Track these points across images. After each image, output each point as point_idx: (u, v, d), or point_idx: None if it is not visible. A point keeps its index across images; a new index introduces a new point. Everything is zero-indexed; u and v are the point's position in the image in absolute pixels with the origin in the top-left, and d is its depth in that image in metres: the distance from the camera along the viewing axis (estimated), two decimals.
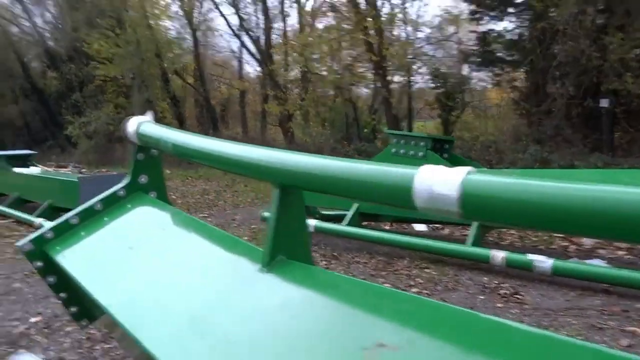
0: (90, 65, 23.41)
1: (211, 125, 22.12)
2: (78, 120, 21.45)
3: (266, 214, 5.29)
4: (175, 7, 21.09)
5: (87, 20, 24.60)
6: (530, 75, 13.41)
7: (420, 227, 6.00)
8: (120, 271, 1.52)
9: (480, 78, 16.67)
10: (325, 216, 5.84)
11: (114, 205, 2.00)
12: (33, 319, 3.41)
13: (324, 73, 16.25)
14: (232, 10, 18.25)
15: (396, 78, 16.64)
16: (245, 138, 18.04)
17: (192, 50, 21.35)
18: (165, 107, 25.03)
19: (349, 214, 5.24)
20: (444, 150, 5.43)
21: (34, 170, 8.33)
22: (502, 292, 3.82)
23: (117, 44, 23.13)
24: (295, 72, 16.79)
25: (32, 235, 1.80)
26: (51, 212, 7.02)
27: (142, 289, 1.38)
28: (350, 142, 15.57)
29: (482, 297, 3.75)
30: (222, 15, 18.39)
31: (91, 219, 1.93)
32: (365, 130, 16.60)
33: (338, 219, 5.56)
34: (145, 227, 1.85)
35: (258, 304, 1.06)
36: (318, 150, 14.71)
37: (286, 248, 1.14)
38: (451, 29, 16.14)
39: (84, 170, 15.03)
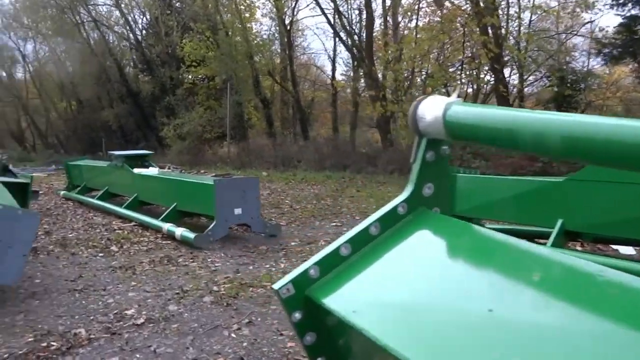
0: (181, 69, 23.83)
1: (300, 127, 21.63)
2: (172, 122, 21.68)
3: None
4: (266, 9, 20.83)
5: (181, 24, 25.13)
6: None
7: (627, 250, 4.85)
8: (446, 333, 0.93)
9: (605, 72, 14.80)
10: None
11: (394, 228, 1.36)
12: None
13: (429, 72, 15.18)
14: (330, 7, 17.55)
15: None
16: (335, 141, 17.26)
17: (283, 51, 20.98)
18: (250, 111, 25.07)
19: (554, 232, 4.18)
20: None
21: (153, 171, 7.95)
22: None
23: (208, 47, 23.42)
24: (397, 72, 15.74)
25: (293, 274, 1.15)
26: (176, 216, 6.52)
27: None
28: None
29: None
30: (323, 12, 17.72)
31: (367, 248, 1.32)
32: None
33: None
34: (453, 260, 1.21)
35: None
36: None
37: None
38: (584, 17, 14.44)
39: (182, 170, 14.88)
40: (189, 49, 22.93)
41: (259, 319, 3.30)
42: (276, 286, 1.19)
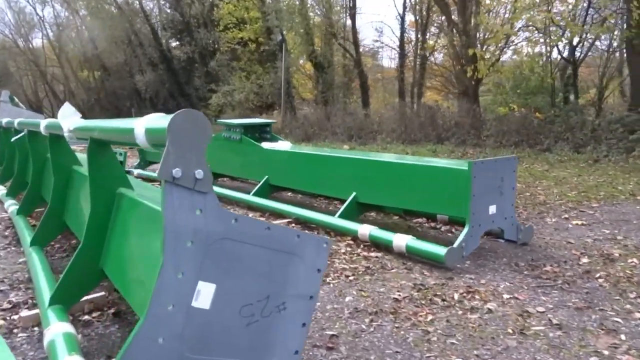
0: (218, 31, 21.49)
1: (362, 95, 19.42)
2: (221, 89, 19.50)
3: None
4: None
5: None
6: None
7: None
8: None
9: None
10: None
11: None
12: None
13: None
14: None
15: None
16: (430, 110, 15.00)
17: (346, 8, 18.60)
18: (299, 78, 22.75)
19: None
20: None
21: (284, 145, 5.94)
22: None
23: (248, 7, 21.08)
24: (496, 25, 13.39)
25: None
26: (356, 212, 4.53)
27: None
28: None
29: None
30: None
31: None
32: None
33: None
34: None
35: None
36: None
37: None
38: None
39: None
40: (226, 11, 20.64)
41: None
42: None
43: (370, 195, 4.41)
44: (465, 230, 3.50)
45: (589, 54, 14.60)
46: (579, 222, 4.72)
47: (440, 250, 3.38)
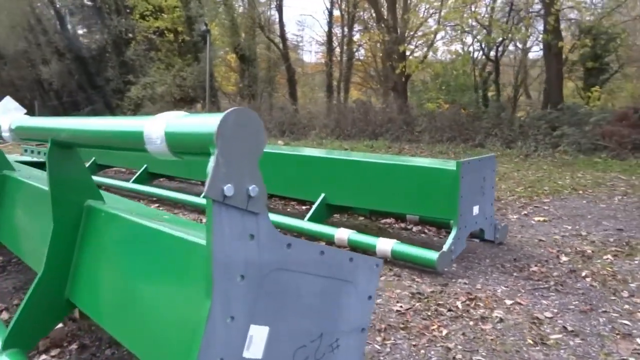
0: (133, 18, 20.16)
1: (289, 89, 19.15)
2: (141, 81, 18.27)
3: None
4: None
5: None
6: None
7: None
8: None
9: None
10: None
11: None
12: None
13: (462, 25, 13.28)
14: None
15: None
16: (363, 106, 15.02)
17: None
18: (220, 71, 21.93)
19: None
20: None
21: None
22: None
23: None
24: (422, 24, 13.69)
25: None
26: (325, 215, 4.28)
27: None
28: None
29: None
30: None
31: None
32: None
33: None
34: None
35: None
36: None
37: None
38: None
39: None
40: None
41: None
42: None
43: (342, 196, 4.16)
44: (454, 232, 3.36)
45: (505, 54, 15.43)
46: (540, 219, 4.81)
47: (432, 255, 3.22)
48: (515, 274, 3.31)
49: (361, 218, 4.76)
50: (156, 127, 1.36)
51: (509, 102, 14.01)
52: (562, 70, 12.34)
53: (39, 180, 2.80)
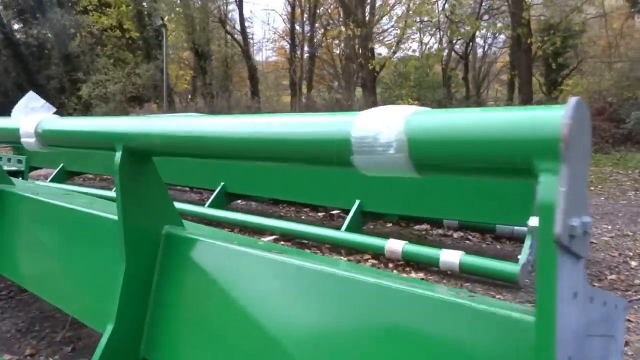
0: (76, 14, 18.83)
1: (250, 87, 18.50)
2: (91, 79, 17.01)
3: None
4: None
5: None
6: None
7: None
8: None
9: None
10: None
11: None
12: None
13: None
14: None
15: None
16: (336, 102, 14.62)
17: None
18: (175, 69, 20.90)
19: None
20: None
21: None
22: None
23: None
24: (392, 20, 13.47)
25: None
26: (360, 224, 3.85)
27: None
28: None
29: None
30: None
31: None
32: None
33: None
34: None
35: None
36: None
37: None
38: None
39: None
40: None
41: None
42: None
43: (381, 204, 3.74)
44: (528, 241, 3.02)
45: (471, 50, 15.54)
46: None
47: (511, 268, 2.86)
48: (596, 283, 3.02)
49: (389, 224, 4.37)
50: (391, 130, 0.88)
51: (476, 99, 14.10)
52: (531, 66, 12.49)
53: (51, 196, 2.23)
